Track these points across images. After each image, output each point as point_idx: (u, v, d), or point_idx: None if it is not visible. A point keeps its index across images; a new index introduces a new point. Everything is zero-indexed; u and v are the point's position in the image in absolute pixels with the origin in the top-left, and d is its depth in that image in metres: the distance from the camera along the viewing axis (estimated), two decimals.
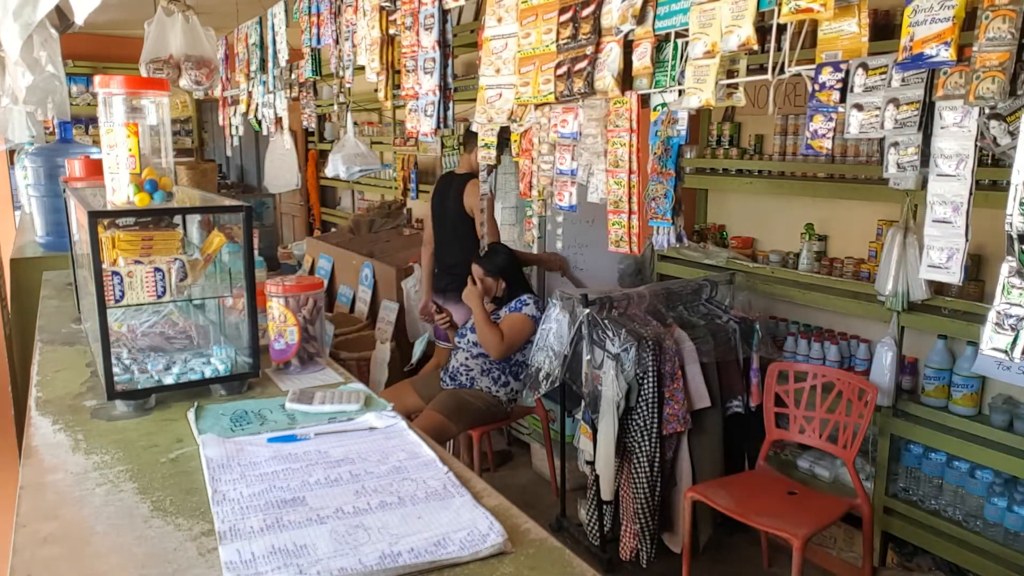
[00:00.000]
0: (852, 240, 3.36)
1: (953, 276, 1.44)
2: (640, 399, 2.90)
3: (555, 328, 3.05)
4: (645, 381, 2.88)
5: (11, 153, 4.89)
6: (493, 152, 2.55)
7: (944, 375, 2.77)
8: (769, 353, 3.31)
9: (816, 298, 3.15)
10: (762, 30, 1.65)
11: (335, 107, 5.82)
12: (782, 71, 1.69)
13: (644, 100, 2.06)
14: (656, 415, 2.90)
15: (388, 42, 2.87)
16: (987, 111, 1.36)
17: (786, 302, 3.44)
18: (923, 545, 2.84)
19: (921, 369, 2.91)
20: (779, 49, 1.69)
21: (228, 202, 1.58)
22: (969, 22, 1.36)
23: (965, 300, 2.70)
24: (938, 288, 2.69)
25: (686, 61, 1.78)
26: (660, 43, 1.89)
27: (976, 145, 1.39)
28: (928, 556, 2.90)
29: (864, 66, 1.52)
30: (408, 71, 2.67)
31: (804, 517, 2.57)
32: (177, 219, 1.53)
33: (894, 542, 2.99)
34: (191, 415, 1.33)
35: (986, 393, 2.75)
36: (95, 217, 1.31)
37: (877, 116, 1.51)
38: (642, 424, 2.90)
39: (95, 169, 2.16)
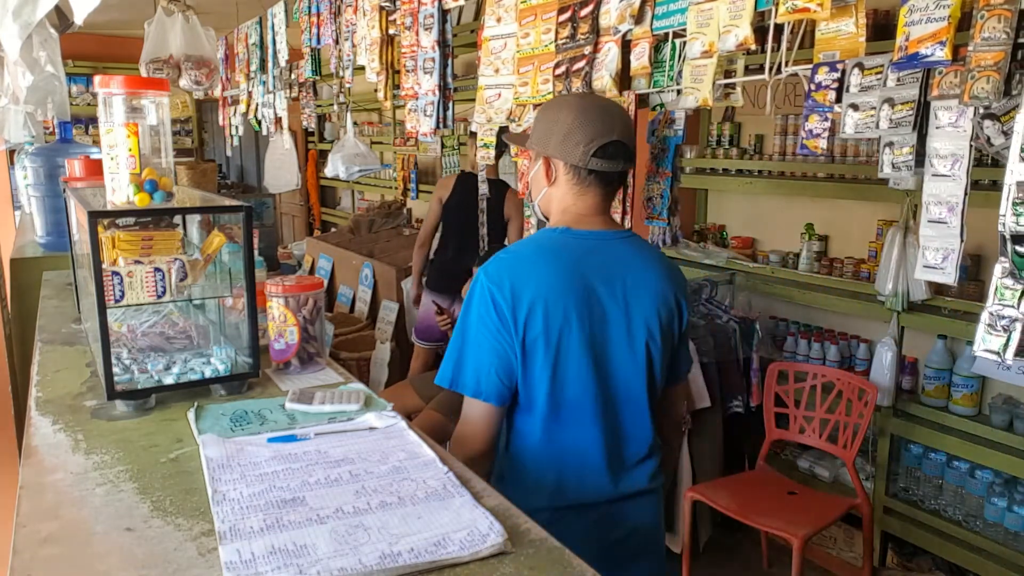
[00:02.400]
0: (852, 240, 3.36)
1: (948, 277, 1.44)
2: None
3: None
4: None
5: (11, 153, 4.89)
6: (492, 152, 2.56)
7: (944, 375, 2.77)
8: (769, 353, 3.32)
9: (816, 298, 3.16)
10: (760, 30, 1.65)
11: (335, 107, 5.83)
12: (779, 71, 1.69)
13: (642, 100, 2.07)
14: None
15: (388, 42, 2.88)
16: (981, 111, 1.36)
17: (786, 302, 3.45)
18: (923, 545, 2.84)
19: (921, 369, 2.91)
20: (777, 49, 1.69)
21: (228, 202, 1.58)
22: (965, 22, 1.37)
23: (965, 300, 2.70)
24: (938, 288, 2.70)
25: (684, 61, 1.78)
26: (658, 43, 1.90)
27: (971, 145, 1.40)
28: (928, 556, 2.90)
29: (860, 66, 1.52)
30: (408, 71, 2.67)
31: (804, 517, 2.58)
32: (177, 219, 1.53)
33: (894, 542, 2.99)
34: (191, 415, 1.33)
35: (986, 393, 2.76)
36: (95, 217, 1.31)
37: (872, 116, 1.51)
38: None
39: (95, 169, 2.16)
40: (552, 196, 1.55)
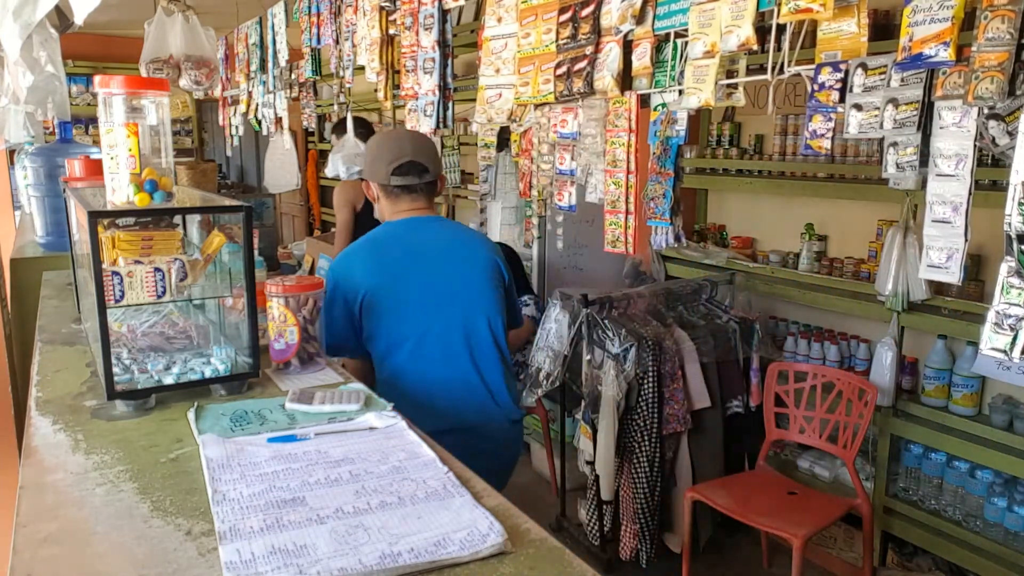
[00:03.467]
0: (852, 240, 3.36)
1: (952, 276, 1.44)
2: (640, 399, 2.90)
3: (555, 328, 3.05)
4: (645, 381, 2.88)
5: (11, 153, 4.89)
6: (493, 152, 2.55)
7: (944, 375, 2.77)
8: (769, 353, 3.31)
9: (816, 298, 3.15)
10: (762, 30, 1.65)
11: (335, 107, 5.82)
12: (782, 71, 1.69)
13: (644, 100, 2.07)
14: (656, 415, 2.90)
15: (388, 42, 2.87)
16: (986, 111, 1.36)
17: (786, 302, 3.44)
18: (923, 545, 2.84)
19: (921, 369, 2.91)
20: (779, 49, 1.69)
21: (228, 202, 1.58)
22: (968, 22, 1.37)
23: (965, 300, 2.70)
24: (938, 288, 2.69)
25: (686, 61, 1.78)
26: (660, 43, 1.89)
27: (975, 145, 1.39)
28: (928, 556, 2.90)
29: (863, 66, 1.52)
30: (408, 71, 2.67)
31: (804, 517, 2.57)
32: (177, 219, 1.53)
33: (894, 542, 2.99)
34: (191, 415, 1.33)
35: (986, 393, 2.75)
36: (95, 217, 1.31)
37: (876, 116, 1.51)
38: (642, 424, 2.90)
39: (95, 169, 2.15)
40: (381, 209, 2.06)
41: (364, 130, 4.19)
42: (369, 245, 1.99)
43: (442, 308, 1.94)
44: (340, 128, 4.19)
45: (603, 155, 2.15)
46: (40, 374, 1.57)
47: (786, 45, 1.68)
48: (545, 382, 3.06)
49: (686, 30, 1.75)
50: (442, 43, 2.51)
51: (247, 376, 1.48)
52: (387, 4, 2.75)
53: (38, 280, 2.57)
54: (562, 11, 2.05)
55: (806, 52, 1.70)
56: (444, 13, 2.49)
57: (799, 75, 1.67)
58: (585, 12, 1.97)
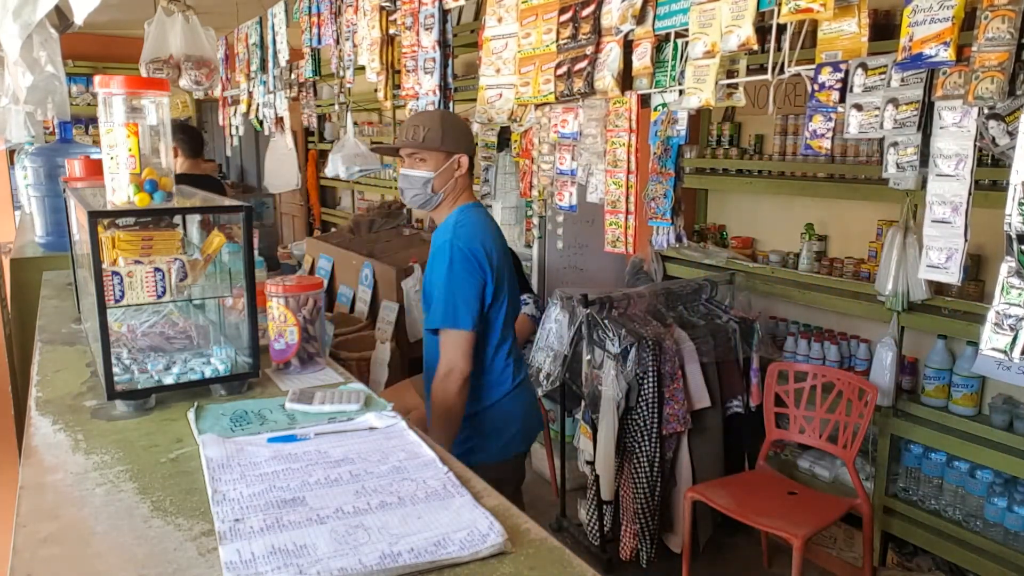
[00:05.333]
0: (852, 240, 3.36)
1: (952, 276, 1.44)
2: (640, 399, 2.90)
3: (555, 328, 3.05)
4: (645, 381, 2.88)
5: (11, 153, 4.89)
6: (493, 152, 2.55)
7: (944, 375, 2.77)
8: (769, 353, 3.31)
9: (816, 298, 3.15)
10: (762, 30, 1.65)
11: (335, 107, 5.82)
12: (782, 71, 1.69)
13: (644, 100, 2.07)
14: (656, 415, 2.90)
15: (388, 42, 2.87)
16: (986, 111, 1.36)
17: (786, 302, 3.44)
18: (923, 545, 2.84)
19: (921, 369, 2.91)
20: (779, 49, 1.69)
21: (228, 202, 1.58)
22: (968, 22, 1.37)
23: (965, 300, 2.70)
24: (938, 288, 2.69)
25: (686, 61, 1.78)
26: (660, 43, 1.89)
27: (975, 145, 1.39)
28: (928, 556, 2.90)
29: (863, 66, 1.52)
30: (408, 71, 2.67)
31: (804, 517, 2.57)
32: (177, 219, 1.53)
33: (894, 542, 2.99)
34: (191, 415, 1.33)
35: (986, 393, 2.75)
36: (95, 217, 1.31)
37: (876, 116, 1.51)
38: (642, 424, 2.90)
39: (95, 169, 2.16)
40: (449, 189, 2.04)
41: (186, 136, 3.98)
42: (483, 229, 2.03)
43: (516, 295, 2.14)
44: (179, 131, 4.00)
45: (604, 155, 2.15)
46: (40, 374, 1.57)
47: (786, 45, 1.68)
48: (545, 382, 3.06)
49: (686, 30, 1.75)
50: (442, 43, 2.51)
51: (247, 376, 1.48)
52: (387, 4, 2.75)
53: (38, 280, 2.57)
54: (562, 11, 2.05)
55: (806, 52, 1.70)
56: (444, 13, 2.49)
57: (799, 75, 1.67)
58: (585, 12, 1.97)
